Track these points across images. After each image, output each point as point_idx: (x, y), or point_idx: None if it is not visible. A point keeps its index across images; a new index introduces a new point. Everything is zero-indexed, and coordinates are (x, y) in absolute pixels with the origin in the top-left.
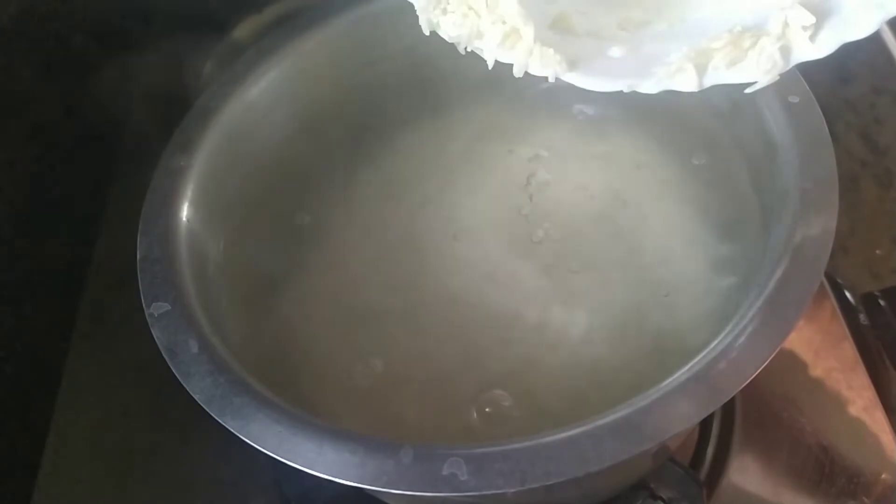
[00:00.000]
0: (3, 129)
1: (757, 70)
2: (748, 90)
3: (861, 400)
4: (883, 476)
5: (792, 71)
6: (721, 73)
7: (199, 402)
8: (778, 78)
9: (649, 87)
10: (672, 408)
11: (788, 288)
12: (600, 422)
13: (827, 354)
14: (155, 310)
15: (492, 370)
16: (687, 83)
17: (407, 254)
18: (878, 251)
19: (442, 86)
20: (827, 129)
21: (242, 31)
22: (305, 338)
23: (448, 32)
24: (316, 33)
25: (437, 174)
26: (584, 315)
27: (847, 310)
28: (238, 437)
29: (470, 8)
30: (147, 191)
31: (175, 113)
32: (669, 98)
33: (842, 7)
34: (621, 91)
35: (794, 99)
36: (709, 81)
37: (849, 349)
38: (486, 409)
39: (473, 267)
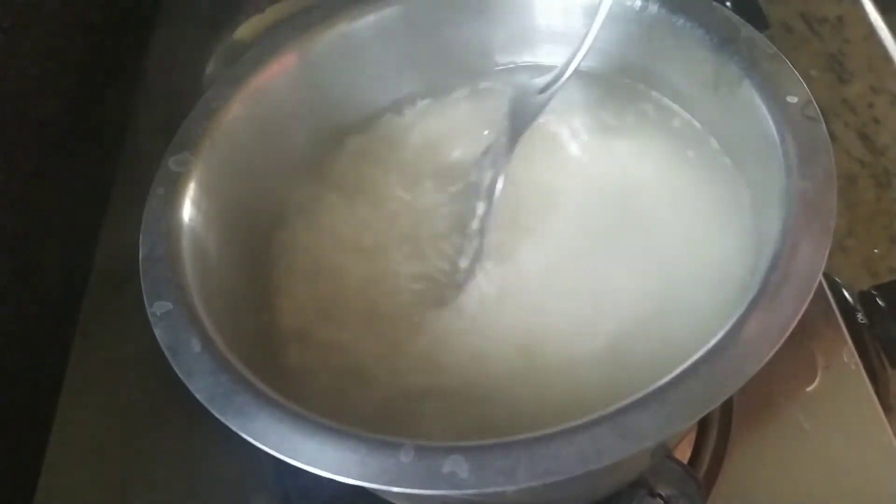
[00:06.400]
0: (4, 129)
1: None
2: None
3: (859, 399)
4: (882, 475)
5: (790, 71)
6: None
7: (201, 400)
8: None
9: None
10: (671, 406)
11: (787, 287)
12: (600, 420)
13: (825, 353)
14: (157, 309)
15: (500, 369)
16: None
17: (411, 251)
18: (876, 250)
19: (442, 84)
20: (825, 128)
21: (244, 31)
22: (306, 336)
23: None
24: (317, 33)
25: (446, 171)
26: (585, 309)
27: (845, 309)
28: (239, 435)
29: None
30: (148, 190)
31: (177, 113)
32: (668, 99)
33: None
34: None
35: (793, 99)
36: None
37: (847, 348)
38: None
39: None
